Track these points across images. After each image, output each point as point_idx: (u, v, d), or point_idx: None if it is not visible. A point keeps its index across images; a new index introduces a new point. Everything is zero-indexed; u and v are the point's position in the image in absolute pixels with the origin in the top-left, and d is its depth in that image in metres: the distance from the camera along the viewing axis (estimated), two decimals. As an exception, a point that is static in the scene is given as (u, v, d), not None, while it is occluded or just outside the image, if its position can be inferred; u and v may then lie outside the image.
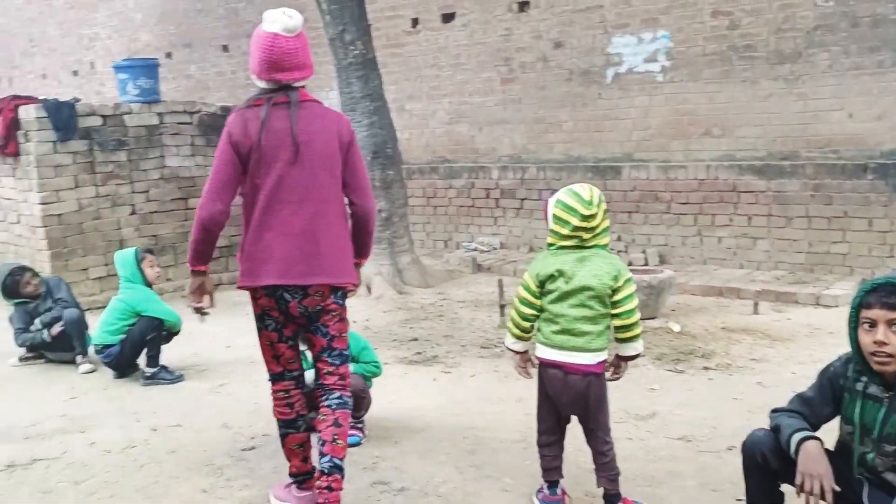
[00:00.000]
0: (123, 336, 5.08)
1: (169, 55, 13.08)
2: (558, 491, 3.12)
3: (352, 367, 3.88)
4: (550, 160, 9.36)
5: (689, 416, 4.18)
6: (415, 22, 10.32)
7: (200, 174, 8.20)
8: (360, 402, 3.90)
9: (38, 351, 5.68)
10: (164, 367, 5.12)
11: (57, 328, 5.47)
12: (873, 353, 2.31)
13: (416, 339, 5.97)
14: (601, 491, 3.05)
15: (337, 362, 3.08)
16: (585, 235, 2.95)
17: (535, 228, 9.39)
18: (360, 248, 3.19)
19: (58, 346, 5.55)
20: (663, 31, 8.42)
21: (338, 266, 3.00)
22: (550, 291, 2.98)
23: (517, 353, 3.17)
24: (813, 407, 2.50)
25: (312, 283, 2.94)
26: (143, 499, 3.38)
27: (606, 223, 3.00)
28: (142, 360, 5.16)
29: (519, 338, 3.11)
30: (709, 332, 5.93)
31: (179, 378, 5.11)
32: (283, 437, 3.19)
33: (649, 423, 4.10)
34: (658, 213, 8.54)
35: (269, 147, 2.91)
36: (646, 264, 8.12)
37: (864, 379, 2.39)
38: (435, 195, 10.30)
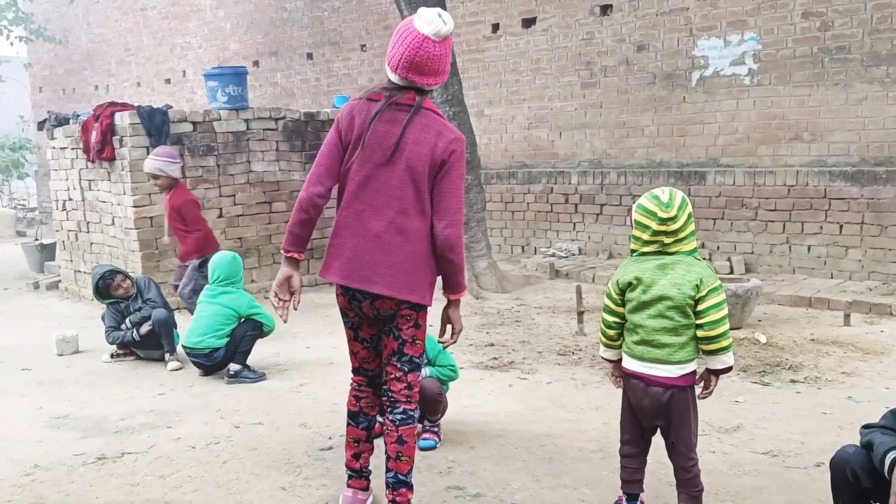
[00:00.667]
0: (228, 339, 5.24)
1: (256, 63, 13.46)
2: (638, 502, 3.05)
3: (428, 370, 3.91)
4: (632, 165, 9.21)
5: (775, 431, 4.02)
6: (495, 27, 10.32)
7: (284, 179, 8.42)
8: (437, 406, 3.91)
9: (128, 348, 5.92)
10: (247, 367, 5.25)
11: (146, 327, 5.70)
12: None
13: (492, 345, 5.95)
14: (681, 505, 2.97)
15: (406, 368, 3.01)
16: (667, 240, 2.86)
17: (615, 234, 9.25)
18: (446, 281, 3.05)
19: (147, 344, 5.77)
20: (751, 34, 8.17)
21: (404, 281, 2.90)
22: (630, 300, 2.91)
23: (609, 361, 3.11)
24: None
25: (372, 290, 2.89)
26: (226, 494, 3.46)
27: (691, 228, 2.88)
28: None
29: (607, 346, 3.05)
30: (797, 343, 5.71)
31: (262, 377, 5.24)
32: (346, 427, 3.24)
33: (733, 437, 3.97)
34: (744, 219, 8.28)
35: (369, 144, 2.87)
36: (731, 272, 7.89)
37: None
38: (513, 200, 10.27)
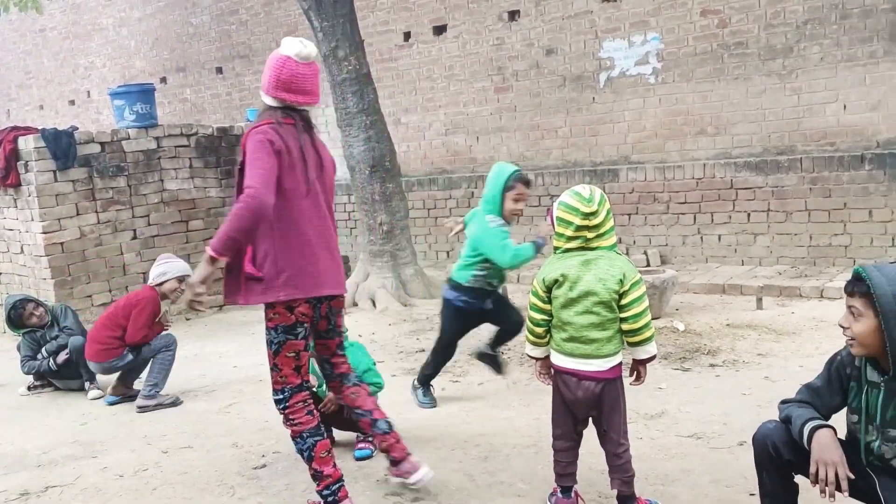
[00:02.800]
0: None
1: (164, 80, 13.16)
2: (572, 494, 3.12)
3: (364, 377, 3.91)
4: (548, 166, 9.40)
5: (698, 414, 4.18)
6: (407, 35, 10.38)
7: (200, 196, 8.25)
8: None
9: (45, 379, 5.70)
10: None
11: (63, 356, 5.49)
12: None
13: (422, 350, 5.97)
14: (614, 492, 3.05)
15: (345, 352, 3.45)
16: (589, 235, 2.93)
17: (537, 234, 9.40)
18: None
19: (65, 373, 5.57)
20: (653, 34, 8.47)
21: (343, 279, 3.34)
22: (557, 297, 2.97)
23: (536, 359, 3.17)
24: (822, 397, 2.50)
25: (341, 292, 3.28)
26: (158, 521, 3.38)
27: (611, 223, 2.97)
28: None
29: (535, 344, 3.11)
30: (713, 329, 5.93)
31: (177, 402, 5.09)
32: (311, 447, 3.14)
33: (659, 422, 4.10)
34: (657, 213, 8.56)
35: (309, 165, 3.12)
36: (648, 265, 8.13)
37: (866, 365, 2.40)
38: (435, 206, 10.33)
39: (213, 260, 2.94)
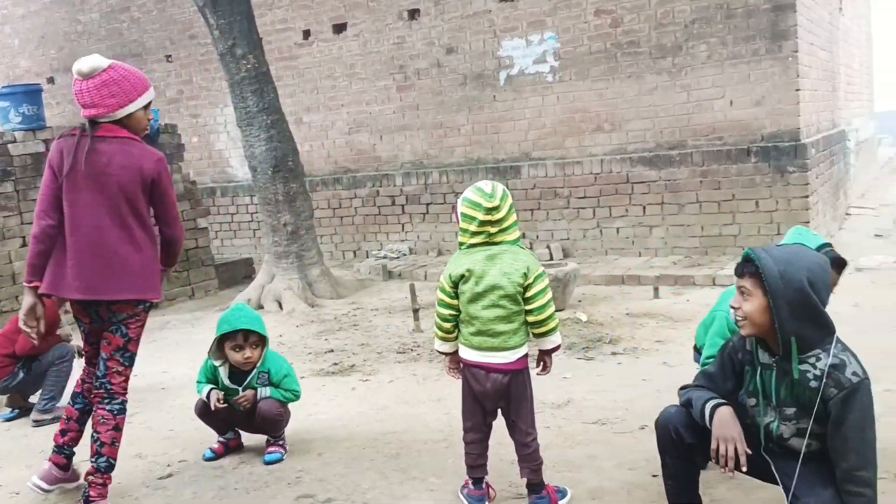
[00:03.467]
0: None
1: (51, 80, 12.57)
2: (483, 485, 3.17)
3: (269, 390, 3.86)
4: (452, 164, 9.49)
5: (601, 401, 4.32)
6: (306, 34, 10.27)
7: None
8: (278, 424, 3.89)
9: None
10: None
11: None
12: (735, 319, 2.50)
13: (331, 351, 5.94)
14: (524, 481, 3.12)
15: (127, 364, 3.41)
16: (492, 230, 2.98)
17: (442, 232, 9.50)
18: (166, 265, 3.62)
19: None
20: (550, 33, 8.67)
21: (124, 283, 3.31)
22: (464, 293, 3.02)
23: (445, 354, 3.20)
24: (716, 382, 2.60)
25: (97, 297, 3.30)
26: (58, 539, 3.24)
27: (513, 218, 3.02)
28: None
29: (444, 339, 3.14)
30: (614, 318, 6.14)
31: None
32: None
33: (565, 411, 4.22)
34: (558, 208, 8.78)
35: (71, 172, 3.27)
36: (551, 259, 8.33)
37: (757, 348, 2.52)
38: (340, 206, 10.27)
39: (30, 290, 3.23)
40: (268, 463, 3.79)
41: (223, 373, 3.80)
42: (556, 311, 6.13)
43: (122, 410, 3.34)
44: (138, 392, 5.29)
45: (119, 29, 11.83)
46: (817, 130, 8.67)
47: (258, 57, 7.68)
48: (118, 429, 3.31)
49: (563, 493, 3.15)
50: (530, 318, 2.99)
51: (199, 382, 3.91)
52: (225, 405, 3.79)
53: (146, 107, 3.49)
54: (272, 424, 3.85)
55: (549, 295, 3.00)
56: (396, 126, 9.85)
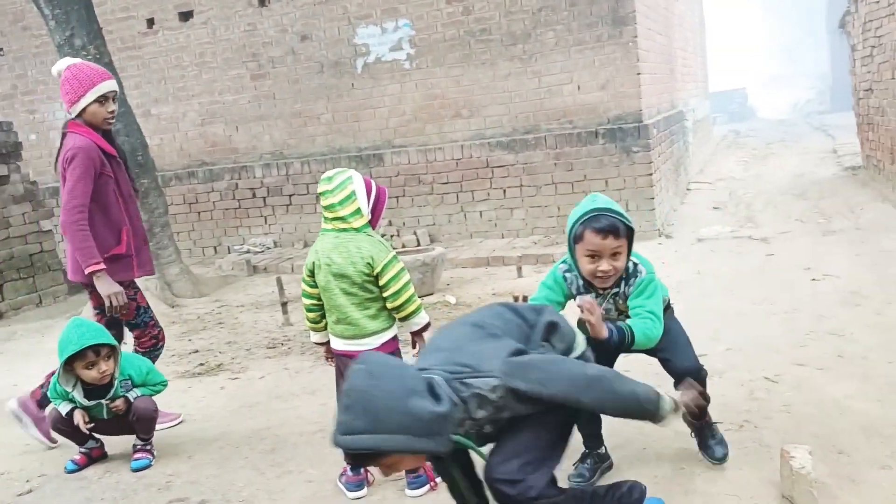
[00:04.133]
0: None
1: None
2: (361, 470, 3.20)
3: (139, 391, 3.72)
4: (313, 153, 9.38)
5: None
6: (150, 22, 9.81)
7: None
8: (153, 422, 3.78)
9: None
10: None
11: None
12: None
13: (196, 351, 5.77)
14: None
15: None
16: (329, 215, 3.01)
17: (307, 223, 9.39)
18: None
19: None
20: (404, 20, 8.73)
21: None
22: (318, 282, 3.05)
23: (319, 344, 3.22)
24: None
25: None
26: None
27: (356, 205, 3.00)
28: None
29: (313, 330, 3.16)
30: (481, 299, 6.31)
31: None
32: None
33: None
34: (423, 194, 8.88)
35: None
36: (418, 244, 8.43)
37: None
38: (197, 200, 9.92)
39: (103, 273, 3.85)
40: (135, 470, 3.65)
41: (78, 395, 3.60)
42: (426, 295, 6.26)
43: None
44: (-15, 409, 4.95)
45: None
46: (658, 111, 9.21)
47: (99, 48, 7.27)
48: None
49: (439, 472, 3.23)
50: (389, 305, 3.03)
51: (53, 399, 3.70)
52: (91, 424, 3.64)
53: (101, 100, 3.78)
54: (148, 423, 3.73)
55: (405, 278, 3.02)
56: (253, 116, 9.62)
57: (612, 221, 2.67)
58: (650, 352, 2.91)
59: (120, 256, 3.91)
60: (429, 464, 3.18)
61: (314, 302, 3.10)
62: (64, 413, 3.64)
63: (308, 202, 9.35)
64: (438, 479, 3.17)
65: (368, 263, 2.97)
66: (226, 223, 9.84)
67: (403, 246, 8.27)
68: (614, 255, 2.69)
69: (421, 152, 8.83)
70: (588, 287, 2.83)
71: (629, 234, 2.72)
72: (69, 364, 3.50)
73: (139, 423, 3.71)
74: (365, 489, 3.18)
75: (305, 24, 9.14)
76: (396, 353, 3.12)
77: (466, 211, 8.76)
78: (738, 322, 4.99)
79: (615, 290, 2.81)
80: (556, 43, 8.25)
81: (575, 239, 2.74)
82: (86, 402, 3.62)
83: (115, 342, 3.62)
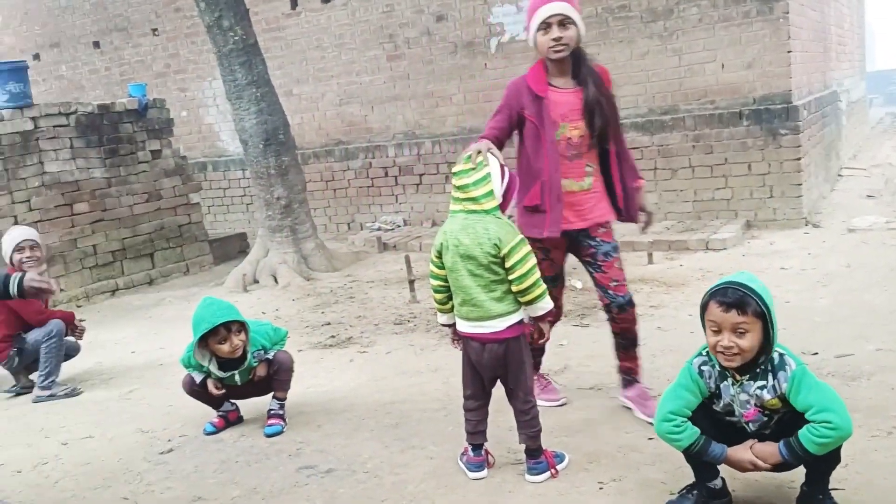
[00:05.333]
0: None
1: (37, 56, 12.41)
2: (482, 452, 3.21)
3: (275, 348, 3.93)
4: (444, 133, 9.44)
5: (597, 367, 4.35)
6: (294, 4, 10.14)
7: (83, 178, 7.88)
8: (290, 376, 3.96)
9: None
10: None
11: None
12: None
13: (328, 324, 5.96)
14: (523, 447, 3.16)
15: None
16: (461, 195, 2.99)
17: (436, 202, 9.48)
18: None
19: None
20: (541, -2, 8.57)
21: None
22: (445, 263, 3.05)
23: (446, 326, 3.23)
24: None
25: None
26: (62, 515, 3.28)
27: (488, 188, 2.97)
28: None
29: (440, 311, 3.18)
30: (610, 285, 6.15)
31: (75, 392, 4.92)
32: None
33: (562, 377, 4.25)
34: (552, 176, 8.74)
35: None
36: (545, 227, 8.32)
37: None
38: (333, 178, 10.23)
39: None
40: (268, 435, 3.82)
41: (213, 367, 3.79)
42: (553, 278, 6.07)
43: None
44: (137, 369, 5.34)
45: (103, 3, 11.66)
46: (809, 92, 8.65)
47: (245, 29, 7.59)
48: None
49: (560, 458, 3.18)
50: (514, 288, 2.98)
51: (186, 368, 3.92)
52: (223, 390, 3.86)
53: (542, 28, 3.41)
54: (286, 374, 3.93)
55: (531, 262, 2.97)
56: (387, 96, 9.78)
57: (741, 296, 2.48)
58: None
59: (533, 209, 3.53)
60: (550, 451, 3.16)
61: (441, 283, 3.10)
62: (197, 381, 3.85)
63: (437, 182, 9.43)
64: (560, 467, 3.13)
65: (496, 245, 2.93)
66: (359, 200, 10.09)
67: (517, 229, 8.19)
68: (739, 332, 2.49)
69: (553, 133, 8.68)
70: (722, 375, 2.62)
71: (763, 315, 2.48)
72: (203, 340, 3.69)
73: (278, 373, 3.90)
74: (485, 470, 3.18)
75: (441, 4, 9.17)
76: (522, 338, 3.08)
77: (597, 194, 8.55)
78: (891, 320, 4.63)
79: (761, 382, 2.54)
80: (699, 19, 7.88)
81: (702, 309, 2.60)
82: (221, 374, 3.81)
83: (244, 319, 3.76)
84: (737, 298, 2.48)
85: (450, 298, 3.12)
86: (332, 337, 5.57)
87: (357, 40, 9.82)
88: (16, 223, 7.29)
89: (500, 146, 3.45)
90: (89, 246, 7.89)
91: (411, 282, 6.35)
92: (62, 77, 12.40)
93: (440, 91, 9.41)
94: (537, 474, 3.08)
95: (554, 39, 3.35)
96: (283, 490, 3.26)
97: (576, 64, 3.47)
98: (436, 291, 3.13)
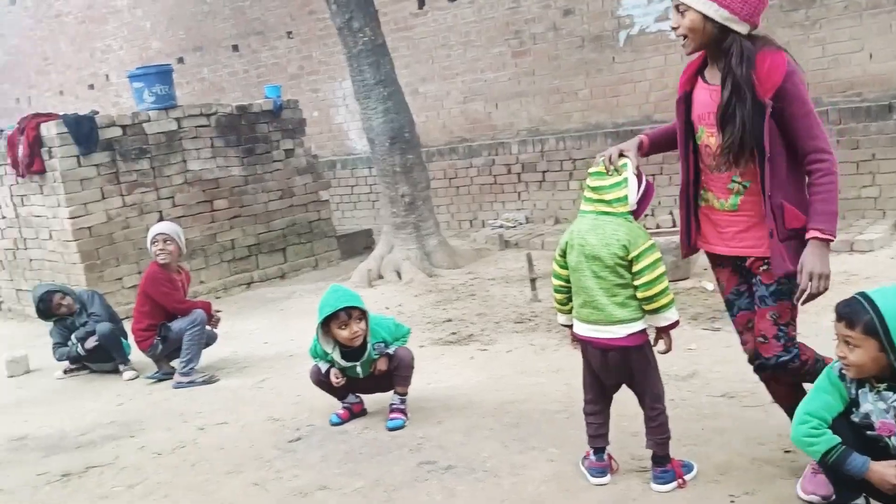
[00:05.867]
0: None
1: (181, 60, 13.17)
2: (605, 456, 3.12)
3: (396, 344, 4.00)
4: (569, 130, 9.30)
5: (729, 373, 4.15)
6: (421, 3, 10.27)
7: (223, 175, 8.28)
8: (410, 373, 4.00)
9: (80, 363, 5.80)
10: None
11: (91, 342, 5.59)
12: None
13: (449, 320, 6.00)
14: (647, 453, 3.05)
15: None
16: (594, 196, 2.92)
17: (559, 200, 9.36)
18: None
19: (97, 357, 5.68)
20: (673, -11, 8.29)
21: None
22: (569, 263, 2.98)
23: (565, 326, 3.18)
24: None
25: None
26: (198, 496, 3.45)
27: (624, 192, 2.89)
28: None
29: (560, 311, 3.12)
30: (743, 287, 5.87)
31: (213, 379, 5.18)
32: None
33: (690, 383, 4.09)
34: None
35: None
36: (674, 225, 8.05)
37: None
38: (456, 175, 10.29)
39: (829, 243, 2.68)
40: (390, 429, 3.88)
41: (336, 356, 3.89)
42: (681, 280, 5.94)
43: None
44: (268, 360, 5.56)
45: (242, 7, 12.22)
46: (971, 82, 7.93)
47: (374, 29, 7.75)
48: None
49: (688, 468, 3.05)
50: (639, 294, 2.86)
51: (313, 357, 4.05)
52: (345, 379, 3.94)
53: None
54: (407, 370, 3.97)
55: (660, 269, 2.85)
56: (512, 93, 9.74)
57: (853, 310, 2.36)
58: None
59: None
60: (678, 459, 3.04)
61: (563, 283, 3.04)
62: (323, 371, 3.96)
63: (561, 179, 9.31)
64: (688, 477, 3.00)
65: (624, 246, 2.84)
66: (482, 198, 10.11)
67: (658, 227, 7.94)
68: (849, 345, 2.37)
69: (683, 129, 8.37)
70: (861, 381, 2.45)
71: (880, 333, 2.31)
72: (326, 325, 3.79)
73: (399, 369, 3.96)
74: (608, 476, 3.09)
75: (568, -2, 9.04)
76: (645, 346, 2.97)
77: (730, 192, 8.18)
78: None
79: None
80: (845, 7, 7.38)
81: None
82: (343, 363, 3.90)
83: (365, 307, 3.83)
84: (849, 311, 2.38)
85: (570, 299, 3.05)
86: (453, 334, 5.60)
87: (483, 37, 9.83)
88: (161, 218, 7.77)
89: (658, 147, 3.13)
90: (227, 240, 8.30)
91: (533, 280, 6.29)
92: (204, 79, 13.10)
93: (566, 87, 9.27)
94: (664, 483, 2.97)
95: (673, 28, 2.91)
96: (405, 484, 3.30)
97: (727, 52, 2.71)
98: (556, 291, 3.07)
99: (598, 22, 8.87)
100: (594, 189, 2.94)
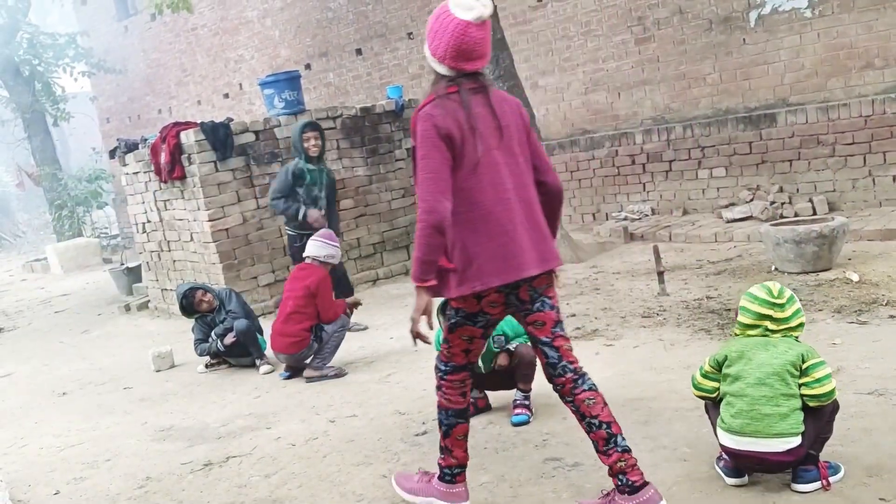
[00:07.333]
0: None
1: (308, 66, 13.63)
2: (740, 457, 2.98)
3: (518, 340, 3.94)
4: (697, 116, 8.96)
5: (878, 369, 3.87)
6: (540, -4, 10.17)
7: (348, 175, 8.49)
8: (532, 371, 3.94)
9: (220, 358, 6.12)
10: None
11: (229, 338, 5.88)
12: None
13: (573, 315, 5.90)
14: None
15: (565, 332, 2.99)
16: (771, 325, 2.90)
17: (687, 190, 9.03)
18: (553, 230, 3.05)
19: (236, 352, 5.96)
20: (807, -38, 7.82)
21: (552, 248, 2.96)
22: (730, 373, 2.92)
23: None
24: None
25: (549, 268, 2.92)
26: (329, 486, 3.55)
27: (800, 320, 2.92)
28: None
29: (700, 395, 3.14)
30: (892, 278, 5.46)
31: (342, 373, 5.33)
32: (451, 426, 3.05)
33: (836, 380, 3.82)
34: (822, 157, 7.96)
35: (482, 134, 2.81)
36: (814, 213, 7.60)
37: None
38: (578, 168, 10.13)
39: (420, 289, 2.78)
40: (515, 424, 3.86)
41: None
42: (823, 271, 5.63)
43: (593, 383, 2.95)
44: (394, 354, 5.66)
45: (365, 12, 12.51)
46: None
47: (493, 24, 7.72)
48: (605, 402, 2.91)
49: (835, 470, 2.87)
50: (805, 391, 2.81)
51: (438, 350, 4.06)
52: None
53: None
54: (528, 368, 3.92)
55: (832, 385, 2.83)
56: (635, 81, 9.48)
57: None
58: None
59: None
60: (824, 462, 2.86)
61: (705, 394, 3.08)
62: None
63: (689, 168, 8.98)
64: (833, 479, 2.82)
65: (800, 355, 2.84)
66: (604, 190, 9.90)
67: (796, 215, 7.52)
68: None
69: (821, 110, 7.89)
70: None
71: None
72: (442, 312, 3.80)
73: (520, 367, 3.92)
74: (746, 476, 2.95)
75: (693, -20, 8.70)
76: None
77: (875, 175, 7.65)
78: None
79: None
80: None
81: None
82: None
83: None
84: None
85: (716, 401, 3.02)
86: (578, 329, 5.51)
87: (604, 26, 9.61)
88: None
89: None
90: (354, 239, 8.52)
91: (660, 273, 6.09)
92: (329, 84, 13.51)
93: (693, 72, 8.93)
94: (805, 483, 2.82)
95: None
96: (530, 480, 3.27)
97: None
98: (700, 389, 3.09)
99: (727, 3, 8.48)
100: (780, 320, 2.91)
